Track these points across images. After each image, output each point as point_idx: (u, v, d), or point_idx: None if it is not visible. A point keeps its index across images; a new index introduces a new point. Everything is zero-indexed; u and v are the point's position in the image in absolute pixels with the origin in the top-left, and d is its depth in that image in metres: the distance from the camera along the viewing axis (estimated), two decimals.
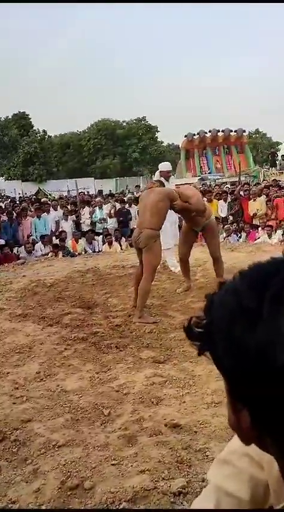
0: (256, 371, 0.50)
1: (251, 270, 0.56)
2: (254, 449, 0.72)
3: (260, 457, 0.79)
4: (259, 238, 10.59)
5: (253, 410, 0.54)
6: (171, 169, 7.58)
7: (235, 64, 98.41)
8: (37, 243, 11.03)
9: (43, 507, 2.18)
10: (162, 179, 6.48)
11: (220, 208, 12.41)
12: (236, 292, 0.54)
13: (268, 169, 25.43)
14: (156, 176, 7.25)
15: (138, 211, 12.91)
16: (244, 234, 11.13)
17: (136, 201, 13.65)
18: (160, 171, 7.23)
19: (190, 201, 5.43)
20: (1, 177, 36.80)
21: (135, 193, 17.52)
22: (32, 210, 12.72)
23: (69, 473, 2.39)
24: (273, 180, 17.94)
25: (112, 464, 2.44)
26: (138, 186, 21.33)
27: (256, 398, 0.52)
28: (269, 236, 10.40)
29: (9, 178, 35.50)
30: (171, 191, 5.36)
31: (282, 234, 10.39)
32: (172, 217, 6.80)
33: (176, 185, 7.93)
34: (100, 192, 21.46)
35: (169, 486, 2.22)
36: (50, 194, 23.14)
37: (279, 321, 0.49)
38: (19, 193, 25.54)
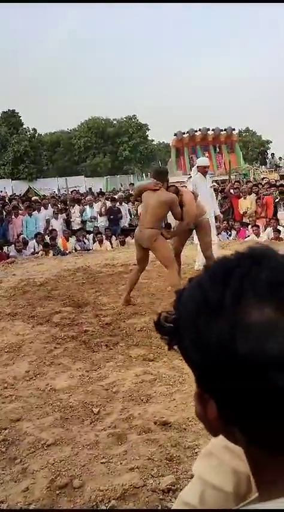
0: (219, 362, 0.51)
1: (215, 264, 0.57)
2: None
3: (239, 449, 0.80)
4: (249, 236, 10.64)
5: (219, 401, 0.55)
6: (208, 164, 7.48)
7: (224, 63, 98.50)
8: (28, 241, 10.98)
9: (32, 506, 2.17)
10: (199, 175, 6.94)
11: None
12: (201, 285, 0.55)
13: (258, 167, 25.56)
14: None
15: (129, 209, 12.97)
16: (234, 232, 11.18)
17: (127, 199, 13.65)
18: (198, 166, 7.21)
19: (184, 209, 5.54)
20: None
21: (130, 191, 17.50)
22: (22, 208, 12.66)
23: (58, 472, 2.39)
24: (262, 178, 18.05)
25: (102, 463, 2.44)
26: (132, 184, 21.32)
27: (221, 390, 0.53)
28: (257, 235, 10.46)
29: None
30: (171, 201, 5.33)
31: (273, 231, 10.45)
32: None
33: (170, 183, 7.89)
34: (90, 190, 21.36)
35: (159, 483, 2.23)
36: (39, 193, 23.02)
37: (239, 312, 0.50)
38: (6, 192, 25.35)
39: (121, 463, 2.42)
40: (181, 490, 2.14)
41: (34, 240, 10.93)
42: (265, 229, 10.75)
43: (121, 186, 24.37)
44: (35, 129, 38.27)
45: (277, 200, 11.50)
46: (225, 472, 0.81)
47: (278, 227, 10.48)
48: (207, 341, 0.52)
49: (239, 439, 0.57)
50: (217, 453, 0.84)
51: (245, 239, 10.46)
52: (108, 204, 12.73)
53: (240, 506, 0.72)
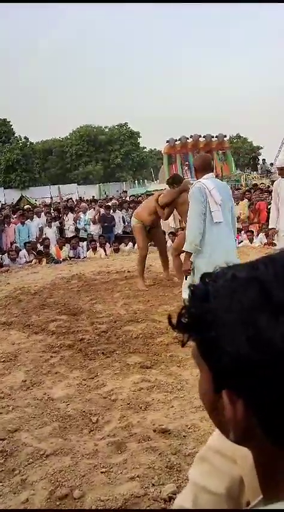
0: (277, 360, 0.51)
1: (275, 262, 0.57)
2: (227, 445, 0.76)
3: (233, 453, 0.82)
4: (242, 241, 10.67)
5: (250, 400, 0.55)
6: None
7: (215, 70, 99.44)
8: (21, 250, 10.94)
9: None
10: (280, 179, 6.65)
11: None
12: (261, 282, 0.55)
13: (250, 173, 25.72)
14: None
15: (123, 216, 12.98)
16: None
17: (120, 206, 13.67)
18: (278, 168, 7.03)
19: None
20: None
21: (123, 198, 17.55)
22: (14, 217, 12.62)
23: (58, 483, 2.36)
24: (253, 184, 18.16)
25: (102, 472, 2.42)
26: (124, 192, 21.42)
27: (259, 388, 0.53)
28: (250, 241, 10.50)
29: None
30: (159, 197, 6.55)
31: (265, 236, 10.50)
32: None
33: (159, 191, 7.99)
34: (80, 199, 21.41)
35: (160, 492, 2.21)
36: (32, 201, 22.96)
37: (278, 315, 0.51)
38: (0, 201, 25.28)
39: (121, 472, 2.40)
40: None
41: (24, 250, 10.89)
42: (258, 235, 10.81)
43: (120, 192, 24.35)
44: (26, 138, 38.37)
45: (269, 206, 11.55)
46: (217, 476, 0.84)
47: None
48: (269, 338, 0.51)
49: (257, 439, 0.57)
50: (210, 458, 0.87)
51: (239, 244, 10.48)
52: (102, 211, 12.73)
53: (250, 506, 0.73)
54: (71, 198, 20.05)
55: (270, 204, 11.75)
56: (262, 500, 0.64)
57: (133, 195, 20.98)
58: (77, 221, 12.54)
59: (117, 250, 11.32)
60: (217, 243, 4.22)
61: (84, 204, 14.08)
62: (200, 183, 4.36)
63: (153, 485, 2.27)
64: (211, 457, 0.86)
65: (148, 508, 2.11)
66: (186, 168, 23.77)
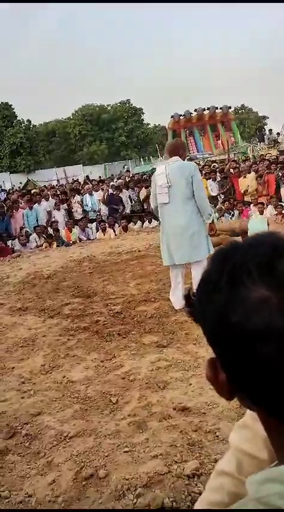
0: (217, 332, 0.58)
1: (218, 252, 0.64)
2: None
3: None
4: (252, 215, 10.59)
5: (224, 367, 0.61)
6: None
7: (216, 43, 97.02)
8: (31, 234, 10.98)
9: (60, 499, 2.20)
10: None
11: (210, 188, 12.37)
12: (206, 270, 0.63)
13: (257, 144, 25.33)
14: None
15: (129, 195, 12.93)
16: (236, 212, 11.13)
17: (126, 186, 13.60)
18: None
19: None
20: None
21: (127, 178, 17.41)
22: (22, 202, 12.62)
23: (82, 464, 2.42)
24: (260, 155, 17.91)
25: (125, 452, 2.47)
26: (128, 171, 21.29)
27: (222, 356, 0.60)
28: (261, 213, 10.41)
29: None
30: None
31: (275, 208, 10.42)
32: None
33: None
34: (87, 177, 21.25)
35: (183, 469, 2.25)
36: (38, 184, 22.92)
37: (233, 290, 0.56)
38: (8, 187, 25.26)
39: (144, 451, 2.45)
40: (205, 474, 2.17)
41: (35, 233, 10.93)
42: (267, 207, 10.71)
43: (124, 170, 24.10)
44: (29, 120, 38.01)
45: (279, 177, 11.44)
46: (260, 442, 0.86)
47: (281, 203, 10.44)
48: (208, 313, 0.59)
49: (249, 404, 0.61)
50: (251, 425, 0.89)
51: (250, 218, 10.42)
52: (110, 191, 12.67)
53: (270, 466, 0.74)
54: (77, 180, 19.97)
55: (279, 176, 11.65)
56: (277, 464, 0.66)
57: (138, 173, 20.75)
58: (84, 203, 12.49)
59: (125, 229, 11.30)
60: (165, 222, 4.74)
61: (89, 185, 13.96)
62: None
63: (176, 462, 2.31)
64: (251, 424, 0.88)
65: (172, 485, 2.16)
66: (192, 142, 23.53)
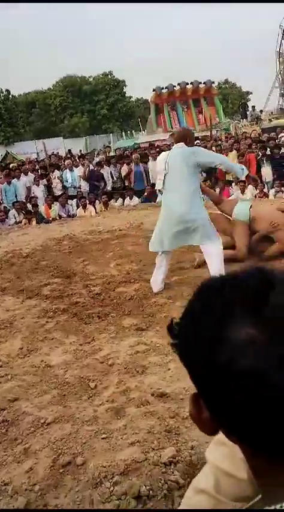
0: (202, 371, 0.58)
1: (204, 287, 0.63)
2: None
3: None
4: (232, 194, 10.59)
5: (211, 407, 0.60)
6: None
7: (203, 14, 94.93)
8: (9, 210, 10.78)
9: (37, 487, 2.20)
10: None
11: None
12: (192, 308, 0.62)
13: (239, 121, 25.19)
14: None
15: (111, 172, 12.74)
16: (217, 190, 11.09)
17: (108, 162, 13.39)
18: None
19: None
20: None
21: (107, 153, 17.14)
22: (1, 177, 12.32)
23: (60, 451, 2.42)
24: (243, 132, 17.83)
25: (103, 438, 2.48)
26: (108, 147, 20.91)
27: (205, 394, 0.60)
28: (242, 191, 10.41)
29: None
30: None
31: (255, 188, 10.43)
32: None
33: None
34: (69, 152, 20.82)
35: (160, 456, 2.27)
36: (18, 157, 22.42)
37: (218, 329, 0.56)
38: None
39: (121, 438, 2.46)
40: (182, 462, 2.20)
41: (14, 209, 10.73)
42: (248, 187, 10.70)
43: (105, 146, 23.70)
44: (8, 90, 36.93)
45: (259, 157, 11.41)
46: (238, 461, 0.83)
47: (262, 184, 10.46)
48: (193, 351, 0.59)
49: (235, 440, 0.61)
50: (228, 442, 0.86)
51: (229, 197, 10.40)
52: (91, 167, 12.46)
53: (247, 506, 0.74)
54: (57, 154, 19.54)
55: (259, 155, 11.62)
56: (261, 500, 0.65)
57: (119, 148, 20.29)
58: (64, 179, 12.27)
59: (106, 205, 11.18)
60: (162, 208, 4.74)
61: (69, 161, 13.67)
62: None
63: (153, 449, 2.33)
64: (228, 441, 0.87)
65: (149, 473, 2.18)
66: (175, 117, 23.24)
